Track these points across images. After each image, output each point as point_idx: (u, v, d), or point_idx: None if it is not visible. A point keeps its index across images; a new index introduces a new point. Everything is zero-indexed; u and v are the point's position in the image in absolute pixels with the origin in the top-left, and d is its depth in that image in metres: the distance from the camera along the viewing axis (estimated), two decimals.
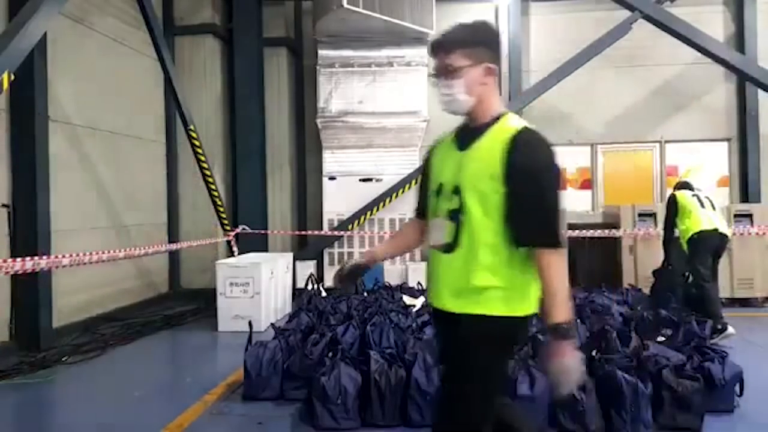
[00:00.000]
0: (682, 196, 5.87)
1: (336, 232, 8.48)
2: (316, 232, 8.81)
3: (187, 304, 7.73)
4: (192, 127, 7.34)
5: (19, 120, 5.61)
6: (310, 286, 6.60)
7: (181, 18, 8.69)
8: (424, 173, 2.26)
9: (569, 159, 9.36)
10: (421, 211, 2.28)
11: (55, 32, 5.91)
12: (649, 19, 7.40)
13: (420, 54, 8.61)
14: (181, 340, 6.33)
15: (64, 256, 4.75)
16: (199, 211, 8.50)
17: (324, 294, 6.63)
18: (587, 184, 9.36)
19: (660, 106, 9.06)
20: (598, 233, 7.51)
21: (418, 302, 5.74)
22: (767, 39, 8.78)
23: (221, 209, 7.88)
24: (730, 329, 5.30)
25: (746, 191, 8.82)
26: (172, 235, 8.53)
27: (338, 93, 8.74)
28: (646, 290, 6.48)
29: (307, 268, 8.18)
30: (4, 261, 4.26)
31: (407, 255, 8.23)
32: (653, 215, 7.71)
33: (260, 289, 6.36)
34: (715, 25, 8.77)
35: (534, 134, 1.96)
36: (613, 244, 8.03)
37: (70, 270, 5.60)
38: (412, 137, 8.68)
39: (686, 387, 3.50)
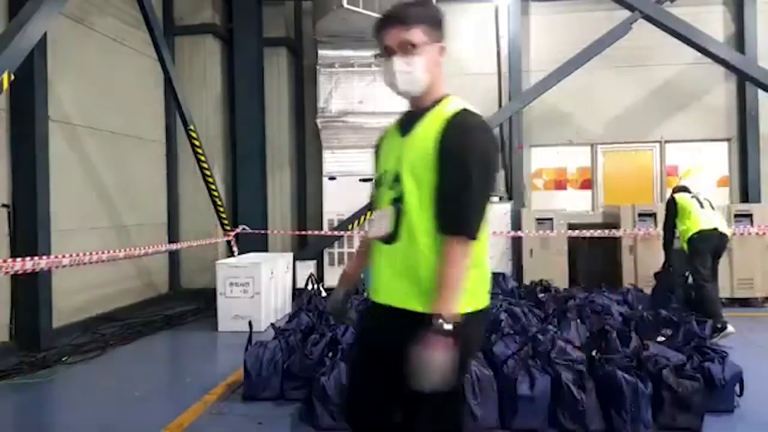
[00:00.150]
0: (681, 197, 5.90)
1: (336, 232, 8.48)
2: (316, 232, 8.80)
3: (187, 304, 7.73)
4: (192, 127, 7.34)
5: (19, 120, 5.62)
6: (310, 286, 6.60)
7: (181, 18, 8.69)
8: (375, 168, 2.14)
9: (569, 159, 9.37)
10: None
11: (55, 32, 5.90)
12: (649, 19, 7.40)
13: None
14: (181, 340, 6.33)
15: (64, 256, 4.75)
16: (199, 211, 8.50)
17: (324, 294, 6.62)
18: (587, 184, 9.36)
19: (660, 106, 9.06)
20: (598, 233, 7.51)
21: None
22: (767, 39, 8.78)
23: (221, 209, 7.87)
24: (730, 328, 5.31)
25: (746, 191, 8.82)
26: (172, 235, 8.53)
27: (338, 93, 8.73)
28: (647, 290, 6.48)
29: (307, 268, 8.18)
30: (4, 261, 4.26)
31: None
32: (653, 215, 7.71)
33: (260, 289, 6.36)
34: (715, 25, 8.76)
35: (470, 116, 1.86)
36: (613, 244, 8.04)
37: (70, 270, 5.60)
38: None
39: (686, 387, 3.50)
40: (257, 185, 8.69)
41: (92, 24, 6.88)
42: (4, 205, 5.57)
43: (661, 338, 4.62)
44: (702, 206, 5.77)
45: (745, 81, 8.40)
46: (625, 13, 7.56)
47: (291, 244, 9.41)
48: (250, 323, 4.48)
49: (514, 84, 8.95)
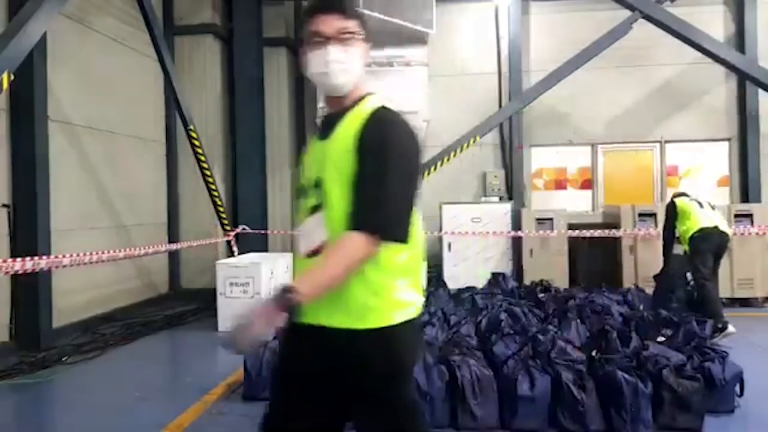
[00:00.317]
0: (681, 200, 5.93)
1: None
2: None
3: (187, 304, 7.73)
4: (192, 127, 7.34)
5: (19, 120, 5.62)
6: None
7: (181, 18, 8.69)
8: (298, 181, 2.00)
9: (569, 159, 9.37)
10: None
11: (55, 32, 5.90)
12: (649, 19, 7.39)
13: (420, 54, 8.59)
14: (181, 340, 6.33)
15: (64, 256, 4.75)
16: (199, 211, 8.50)
17: None
18: (587, 184, 9.36)
19: (660, 106, 9.06)
20: (598, 233, 7.51)
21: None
22: (767, 39, 8.78)
23: (221, 209, 7.87)
24: (731, 328, 5.31)
25: (746, 191, 8.82)
26: (172, 235, 8.53)
27: None
28: (648, 291, 6.47)
29: None
30: (4, 261, 4.26)
31: None
32: (653, 215, 7.71)
33: (260, 289, 6.35)
34: (715, 25, 8.76)
35: (389, 113, 1.74)
36: (613, 244, 8.03)
37: (70, 270, 5.60)
38: None
39: (686, 387, 3.50)
40: (257, 185, 8.69)
41: (92, 24, 6.88)
42: (4, 205, 5.57)
43: (661, 338, 4.62)
44: (702, 206, 5.79)
45: (745, 81, 8.40)
46: (626, 13, 7.55)
47: (291, 244, 9.41)
48: None
49: (514, 84, 8.94)
